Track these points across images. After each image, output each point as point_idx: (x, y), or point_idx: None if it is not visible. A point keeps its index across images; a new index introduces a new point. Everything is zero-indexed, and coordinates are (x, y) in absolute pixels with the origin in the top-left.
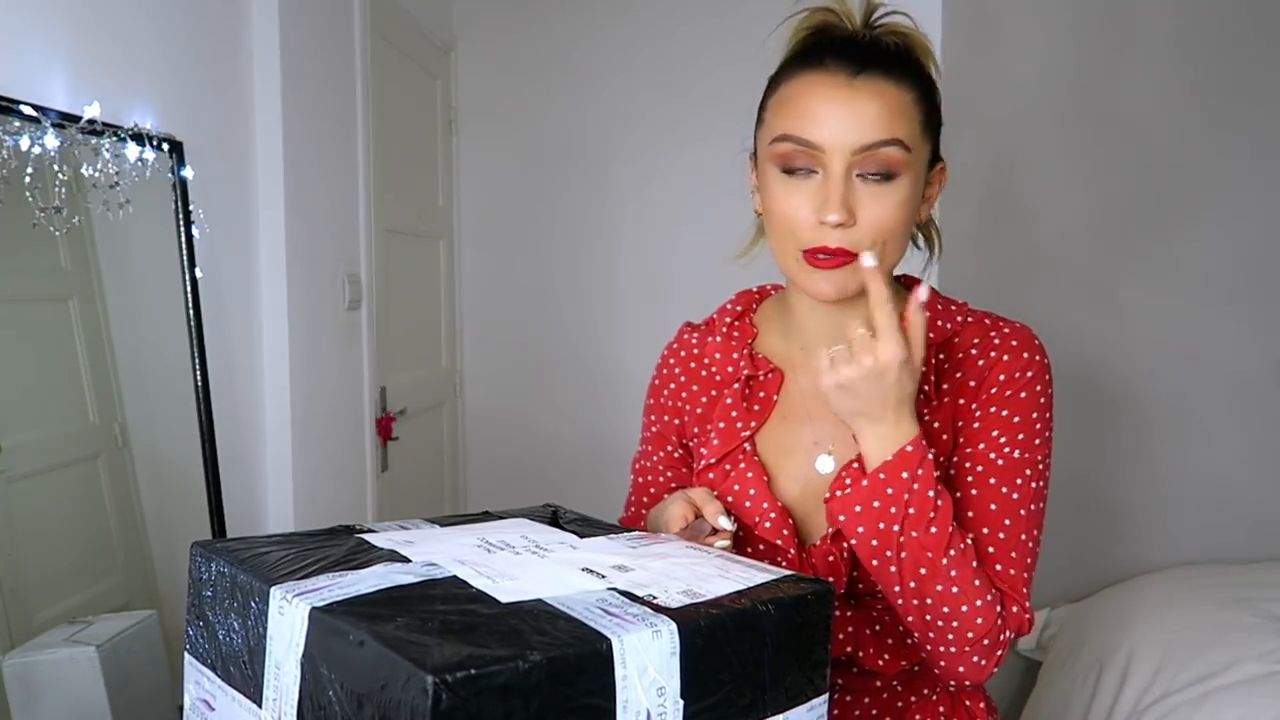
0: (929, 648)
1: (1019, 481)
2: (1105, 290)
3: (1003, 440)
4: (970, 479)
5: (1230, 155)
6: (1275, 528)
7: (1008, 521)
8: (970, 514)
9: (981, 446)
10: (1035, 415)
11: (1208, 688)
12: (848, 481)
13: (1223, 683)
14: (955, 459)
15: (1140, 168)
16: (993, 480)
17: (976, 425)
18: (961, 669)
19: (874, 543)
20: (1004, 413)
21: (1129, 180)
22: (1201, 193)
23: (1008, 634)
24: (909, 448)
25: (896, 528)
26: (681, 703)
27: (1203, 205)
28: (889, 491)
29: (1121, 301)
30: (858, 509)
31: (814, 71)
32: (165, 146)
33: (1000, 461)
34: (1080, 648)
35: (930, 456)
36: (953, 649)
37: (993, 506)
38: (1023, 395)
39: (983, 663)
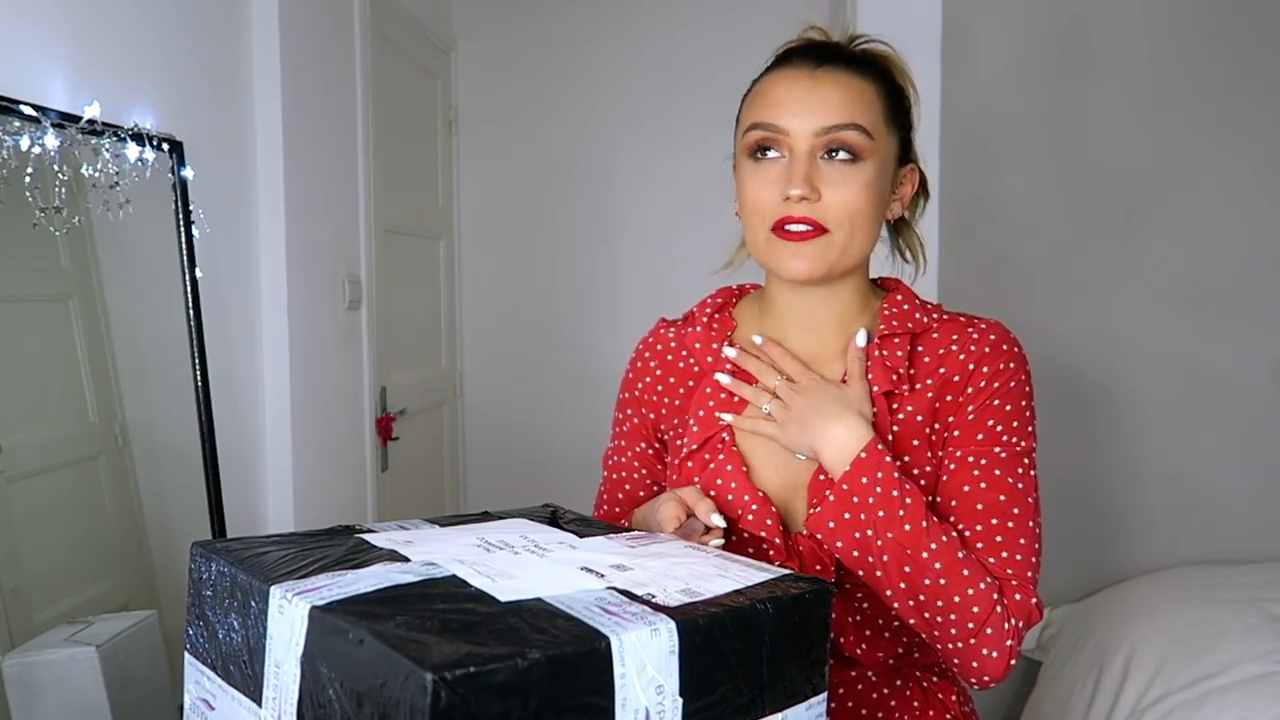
0: (940, 648)
1: (1020, 471)
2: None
3: (1000, 430)
4: (976, 473)
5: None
6: (1275, 528)
7: (1016, 510)
8: (979, 506)
9: (981, 438)
10: (1024, 404)
11: (1208, 688)
12: (828, 495)
13: (1223, 683)
14: (957, 455)
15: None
16: (998, 472)
17: (972, 418)
18: (975, 664)
19: (855, 553)
20: (995, 403)
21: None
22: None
23: (1014, 622)
24: (863, 454)
25: (870, 533)
26: (680, 701)
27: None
28: (855, 500)
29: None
30: (832, 524)
31: (782, 68)
32: (165, 146)
33: (1003, 454)
34: (1080, 648)
35: (889, 459)
36: (959, 643)
37: (1001, 498)
38: (1011, 385)
39: (994, 654)
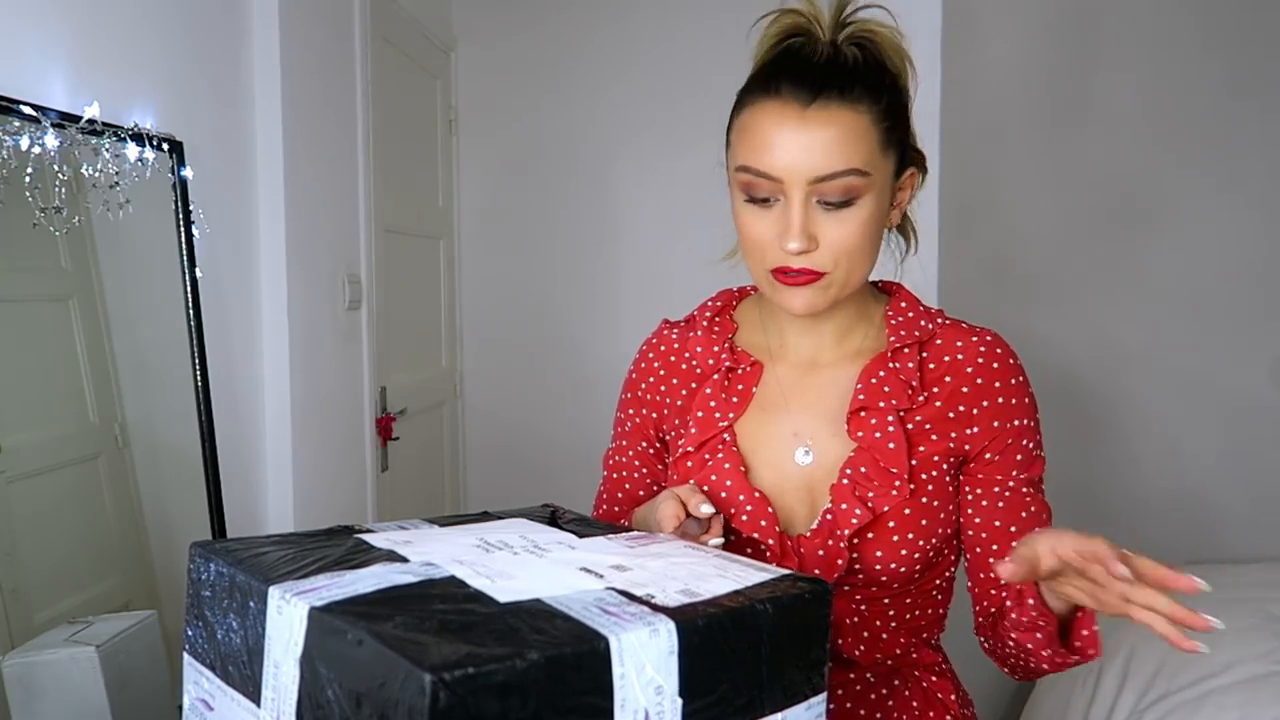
0: (1041, 667)
1: (1039, 494)
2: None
3: (1031, 447)
4: (1001, 505)
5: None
6: (1275, 528)
7: (1044, 518)
8: (1023, 514)
9: (1020, 459)
10: (1037, 422)
11: (1207, 688)
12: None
13: (1222, 683)
14: (979, 477)
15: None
16: (1025, 510)
17: (990, 443)
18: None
19: None
20: (1015, 423)
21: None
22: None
23: None
24: None
25: None
26: (679, 701)
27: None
28: None
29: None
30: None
31: (770, 99)
32: (165, 146)
33: (1025, 483)
34: None
35: None
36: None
37: (1044, 517)
38: (1026, 401)
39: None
